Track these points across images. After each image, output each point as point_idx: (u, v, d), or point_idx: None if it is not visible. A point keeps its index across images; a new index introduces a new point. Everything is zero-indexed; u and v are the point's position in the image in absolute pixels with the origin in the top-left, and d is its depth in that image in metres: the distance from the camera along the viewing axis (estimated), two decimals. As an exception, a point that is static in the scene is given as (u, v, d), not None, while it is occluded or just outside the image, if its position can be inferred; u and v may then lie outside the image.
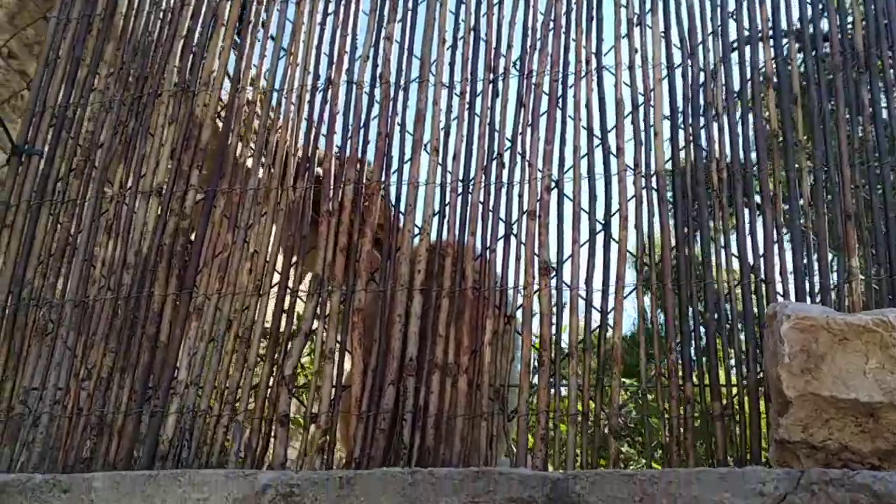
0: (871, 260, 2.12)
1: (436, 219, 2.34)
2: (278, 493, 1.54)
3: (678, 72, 2.39)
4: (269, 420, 2.12)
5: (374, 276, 2.33)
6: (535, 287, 2.22)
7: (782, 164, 2.25)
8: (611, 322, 2.17)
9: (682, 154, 2.32)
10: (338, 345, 2.23)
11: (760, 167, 2.24)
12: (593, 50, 2.45)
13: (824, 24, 2.40)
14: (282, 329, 2.24)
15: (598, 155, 2.34)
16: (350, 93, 2.49)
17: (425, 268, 2.27)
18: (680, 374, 2.07)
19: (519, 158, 2.36)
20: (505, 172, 2.35)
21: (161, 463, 2.03)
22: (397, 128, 2.45)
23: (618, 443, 2.08)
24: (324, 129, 2.47)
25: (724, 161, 2.29)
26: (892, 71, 2.28)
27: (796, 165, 2.22)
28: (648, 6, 2.49)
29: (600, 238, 2.25)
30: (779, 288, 2.10)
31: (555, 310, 2.19)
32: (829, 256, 2.14)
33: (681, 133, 2.34)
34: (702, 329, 2.12)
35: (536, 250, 2.25)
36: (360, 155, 2.42)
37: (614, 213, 2.27)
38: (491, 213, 2.31)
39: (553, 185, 2.32)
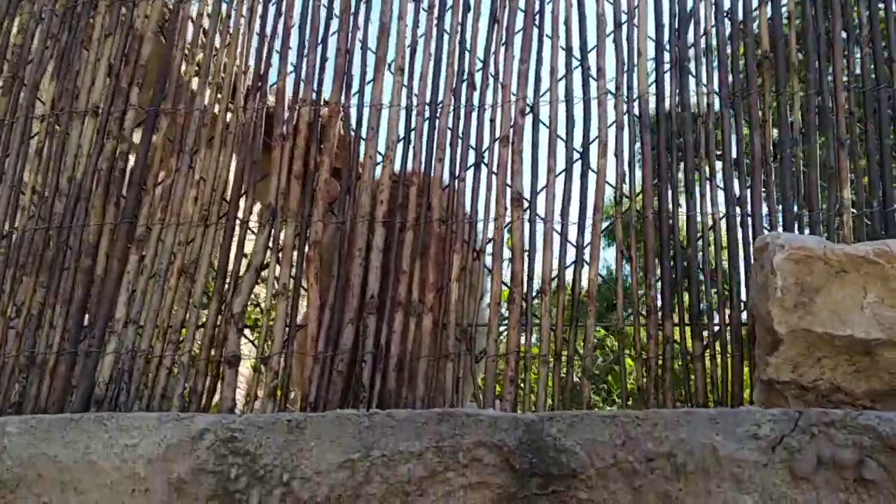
0: (864, 191, 1.98)
1: (400, 145, 2.15)
2: (218, 439, 1.38)
3: (665, -13, 2.19)
4: (217, 362, 1.95)
5: (333, 207, 2.15)
6: (507, 220, 2.05)
7: (772, 87, 2.09)
8: (587, 258, 2.02)
9: (667, 77, 2.14)
10: (292, 280, 2.05)
11: (749, 91, 2.08)
12: (573, -38, 2.24)
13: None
14: (230, 264, 2.05)
15: (576, 77, 2.15)
16: (306, 5, 2.25)
17: (388, 198, 2.09)
18: (659, 312, 1.94)
19: (491, 80, 2.17)
20: (476, 95, 2.16)
21: (97, 407, 1.86)
22: (358, 44, 2.23)
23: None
24: (277, 45, 2.25)
25: (712, 84, 2.12)
26: (893, -11, 2.11)
27: (788, 89, 2.06)
28: (634, -85, 2.28)
29: (577, 167, 2.09)
30: (765, 221, 1.97)
31: (527, 244, 2.03)
32: (820, 187, 2.00)
33: (666, 54, 2.16)
34: (683, 264, 1.97)
35: (509, 180, 2.08)
36: (317, 74, 2.21)
37: (593, 141, 2.10)
38: (460, 140, 2.13)
39: (528, 109, 2.14)
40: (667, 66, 2.15)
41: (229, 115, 2.19)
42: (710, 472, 1.27)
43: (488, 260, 2.04)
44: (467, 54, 2.19)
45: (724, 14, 2.16)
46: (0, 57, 2.34)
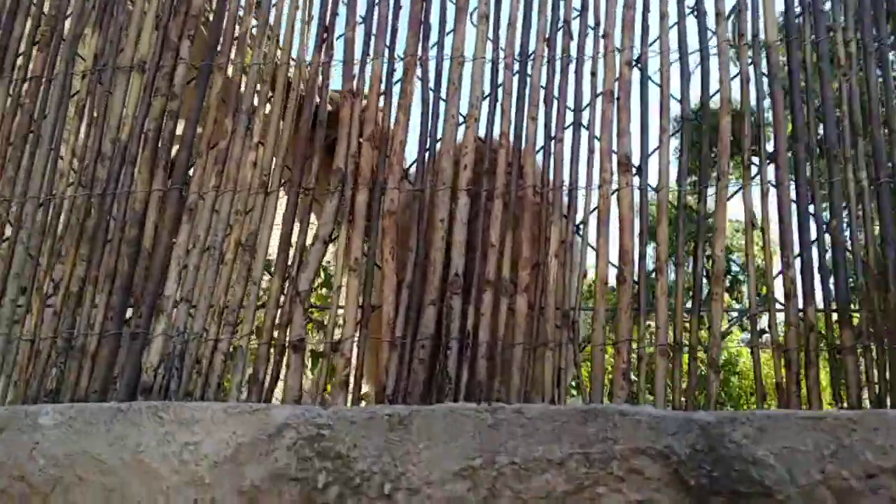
0: None
1: (486, 103, 1.87)
2: (300, 437, 1.11)
3: (794, -80, 1.89)
4: (281, 346, 1.69)
5: (409, 174, 1.88)
6: (613, 187, 1.76)
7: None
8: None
9: (799, 22, 1.83)
10: (364, 257, 1.78)
11: (902, 38, 1.76)
12: None
13: None
14: (295, 236, 1.79)
15: (690, 24, 1.86)
16: (378, -55, 1.99)
17: (473, 163, 1.82)
18: (800, 294, 1.63)
19: (591, 28, 1.88)
20: (573, 46, 1.87)
21: (144, 397, 1.61)
22: (437, -11, 1.96)
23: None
24: (345, -9, 1.99)
25: (852, 32, 1.81)
26: None
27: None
28: None
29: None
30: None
31: (638, 215, 1.74)
32: None
33: (797, -4, 1.85)
34: (827, 238, 1.67)
35: (614, 142, 1.79)
36: (389, 23, 1.94)
37: (713, 95, 1.81)
38: (556, 97, 1.84)
39: (634, 62, 1.85)
40: (798, 10, 1.84)
41: (291, 70, 1.93)
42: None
43: (591, 234, 1.75)
44: (563, -1, 1.91)
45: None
46: (37, 9, 2.10)
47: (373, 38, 1.93)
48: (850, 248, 1.65)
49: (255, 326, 1.72)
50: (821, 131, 1.77)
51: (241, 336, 1.70)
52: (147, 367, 1.65)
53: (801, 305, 1.62)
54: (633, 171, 1.77)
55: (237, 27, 1.99)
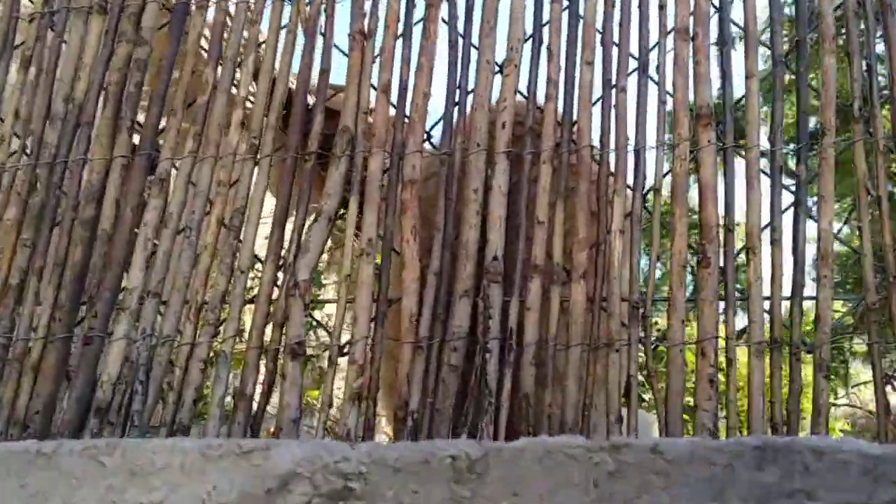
0: None
1: (527, 45, 1.51)
2: (317, 493, 0.73)
3: None
4: (274, 351, 1.33)
5: (432, 134, 1.52)
6: (688, 142, 1.40)
7: None
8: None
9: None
10: (379, 237, 1.42)
11: None
12: None
13: None
14: (292, 211, 1.43)
15: (781, -55, 1.50)
16: None
17: (513, 120, 1.45)
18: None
19: (657, -48, 1.52)
20: (636, -27, 1.51)
21: (98, 419, 1.25)
22: None
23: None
24: None
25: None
26: None
27: None
28: None
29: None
30: None
31: (722, 179, 1.39)
32: None
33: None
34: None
35: (690, 91, 1.43)
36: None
37: (811, 31, 1.45)
38: (616, 37, 1.48)
39: (711, -8, 1.48)
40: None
41: (287, 7, 1.56)
42: None
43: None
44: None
45: None
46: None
47: (383, -31, 1.57)
48: None
49: (241, 327, 1.36)
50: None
51: (224, 339, 1.33)
52: (103, 380, 1.28)
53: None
54: (715, 124, 1.41)
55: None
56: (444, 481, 0.70)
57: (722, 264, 1.35)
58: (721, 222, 1.37)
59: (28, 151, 1.52)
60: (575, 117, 1.45)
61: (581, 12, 1.50)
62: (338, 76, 1.53)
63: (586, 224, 1.39)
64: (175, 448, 0.77)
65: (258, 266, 1.43)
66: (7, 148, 1.53)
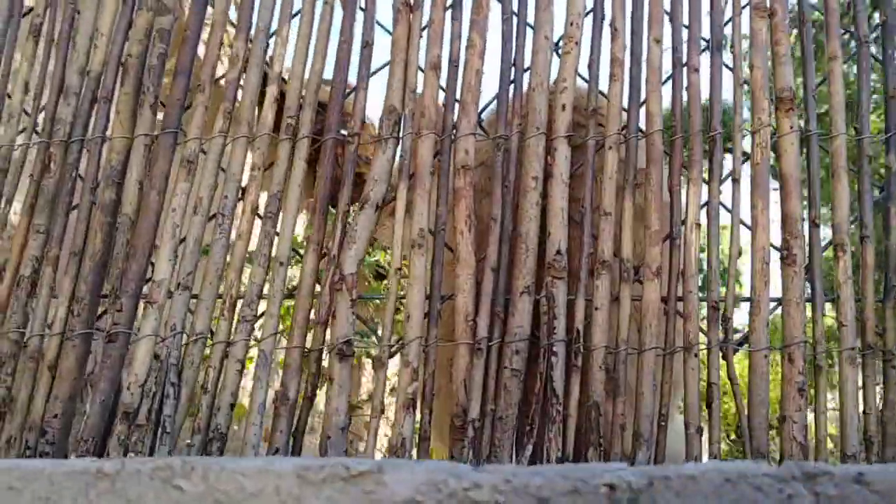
0: None
1: (588, 19, 1.38)
2: None
3: None
4: (318, 351, 1.20)
5: (483, 116, 1.39)
6: (769, 128, 1.29)
7: None
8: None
9: None
10: (430, 229, 1.29)
11: None
12: None
13: None
14: (339, 196, 1.30)
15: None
16: None
17: (574, 102, 1.33)
18: None
19: (730, -80, 1.40)
20: (707, -58, 1.39)
21: (125, 425, 1.12)
22: None
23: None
24: None
25: None
26: None
27: None
28: None
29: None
30: None
31: (805, 164, 1.28)
32: None
33: None
34: None
35: (770, 72, 1.31)
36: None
37: (902, 10, 1.33)
38: (686, 10, 1.36)
39: (789, -35, 1.37)
40: None
41: (325, -26, 1.43)
42: None
43: (744, 195, 1.27)
44: None
45: None
46: None
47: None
48: None
49: (282, 324, 1.23)
50: None
51: (262, 337, 1.21)
52: (128, 382, 1.15)
53: None
54: (798, 110, 1.30)
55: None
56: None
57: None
58: (805, 216, 1.26)
59: (39, 129, 1.38)
60: (641, 98, 1.33)
61: (648, -16, 1.38)
62: (382, 54, 1.40)
63: (658, 216, 1.27)
64: (268, 470, 0.64)
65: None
66: (16, 125, 1.38)
